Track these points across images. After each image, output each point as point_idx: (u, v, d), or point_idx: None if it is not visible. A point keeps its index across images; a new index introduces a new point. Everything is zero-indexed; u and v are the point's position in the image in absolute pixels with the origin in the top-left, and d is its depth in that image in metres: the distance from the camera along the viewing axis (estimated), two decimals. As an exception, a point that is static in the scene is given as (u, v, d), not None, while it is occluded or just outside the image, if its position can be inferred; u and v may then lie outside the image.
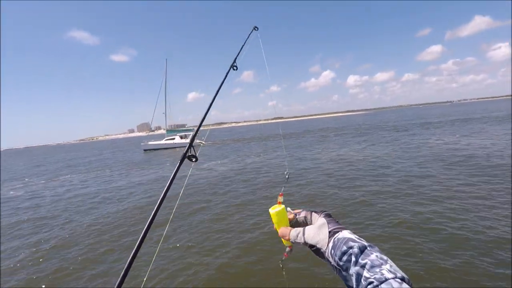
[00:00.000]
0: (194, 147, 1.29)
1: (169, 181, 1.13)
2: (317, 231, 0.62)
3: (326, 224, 0.62)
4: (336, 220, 0.64)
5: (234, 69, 1.94)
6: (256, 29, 2.15)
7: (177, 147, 38.89)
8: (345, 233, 0.59)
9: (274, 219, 0.70)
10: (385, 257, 0.52)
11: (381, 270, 0.49)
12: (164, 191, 1.09)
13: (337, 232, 0.60)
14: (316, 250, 0.63)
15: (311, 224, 0.66)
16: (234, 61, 1.96)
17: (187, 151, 1.27)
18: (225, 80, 1.88)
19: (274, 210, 0.70)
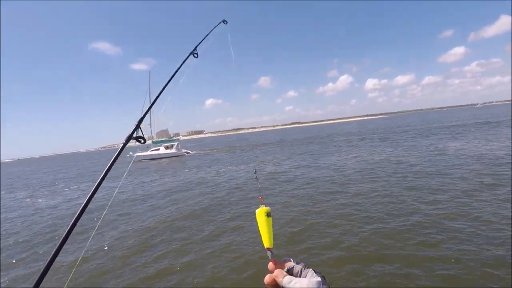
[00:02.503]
0: (141, 129, 1.34)
1: (110, 163, 1.18)
2: (309, 287, 0.63)
3: (321, 284, 0.63)
4: (330, 286, 0.66)
5: (194, 56, 1.93)
6: (225, 22, 2.18)
7: (162, 158, 39.60)
8: None
9: (260, 220, 0.75)
10: None
11: None
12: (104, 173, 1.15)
13: None
14: None
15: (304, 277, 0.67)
16: (195, 49, 1.96)
17: (133, 132, 1.32)
18: (183, 66, 1.87)
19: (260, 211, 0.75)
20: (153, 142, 43.26)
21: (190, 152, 42.77)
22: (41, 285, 0.89)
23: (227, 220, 8.46)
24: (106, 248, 7.32)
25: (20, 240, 8.91)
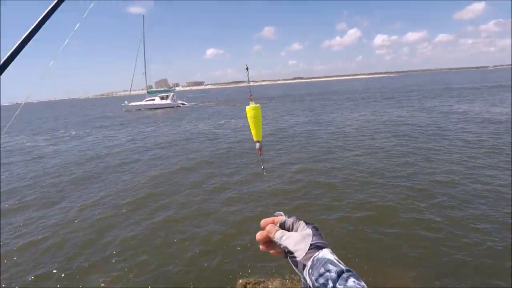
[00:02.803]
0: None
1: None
2: (300, 239, 0.63)
3: (311, 236, 0.63)
4: (321, 235, 0.64)
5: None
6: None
7: (157, 108, 38.62)
8: (326, 253, 0.59)
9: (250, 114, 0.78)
10: (362, 283, 0.52)
11: None
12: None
13: (319, 248, 0.60)
14: (293, 259, 0.63)
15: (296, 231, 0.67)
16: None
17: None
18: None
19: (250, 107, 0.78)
20: (148, 91, 42.24)
21: (186, 103, 42.05)
22: None
23: (230, 174, 8.49)
24: (113, 194, 7.44)
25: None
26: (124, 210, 6.40)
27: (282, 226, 0.69)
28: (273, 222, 0.70)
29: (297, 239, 0.63)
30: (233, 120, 20.87)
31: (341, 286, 0.51)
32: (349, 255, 4.23)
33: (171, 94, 40.72)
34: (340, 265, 0.56)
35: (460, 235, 4.57)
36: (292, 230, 0.67)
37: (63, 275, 4.34)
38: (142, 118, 27.57)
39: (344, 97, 36.74)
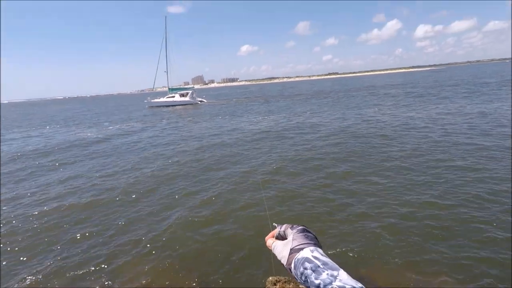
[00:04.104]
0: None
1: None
2: (282, 248, 0.67)
3: (291, 241, 0.66)
4: (309, 234, 0.67)
5: None
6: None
7: (177, 105, 40.12)
8: (305, 253, 0.62)
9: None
10: (335, 273, 0.55)
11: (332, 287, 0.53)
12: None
13: (299, 250, 0.63)
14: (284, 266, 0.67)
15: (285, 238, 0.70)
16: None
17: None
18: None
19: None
20: (169, 89, 44.02)
21: (205, 101, 43.37)
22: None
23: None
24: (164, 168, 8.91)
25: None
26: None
27: (278, 237, 0.72)
28: (273, 235, 0.74)
29: (280, 249, 0.67)
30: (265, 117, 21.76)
31: (318, 280, 0.55)
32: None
33: (190, 91, 42.27)
34: (315, 260, 0.59)
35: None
36: (285, 238, 0.70)
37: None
38: (171, 113, 29.45)
39: (383, 93, 35.93)
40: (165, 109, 36.77)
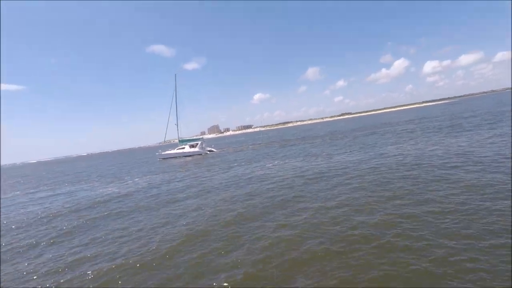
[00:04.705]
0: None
1: None
2: None
3: None
4: None
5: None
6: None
7: (187, 156, 41.27)
8: None
9: None
10: None
11: None
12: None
13: None
14: None
15: None
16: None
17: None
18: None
19: None
20: (179, 141, 45.69)
21: (214, 150, 44.39)
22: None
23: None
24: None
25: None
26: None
27: None
28: None
29: None
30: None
31: None
32: None
33: (200, 142, 43.77)
34: None
35: None
36: None
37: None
38: (185, 165, 30.20)
39: (399, 129, 35.91)
40: (175, 160, 37.54)
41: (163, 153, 44.01)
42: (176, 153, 42.76)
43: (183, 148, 42.90)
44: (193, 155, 41.54)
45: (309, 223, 7.68)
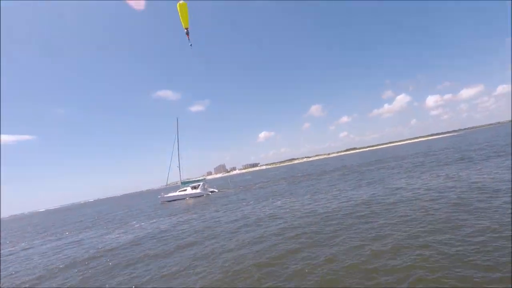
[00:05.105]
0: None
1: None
2: None
3: None
4: None
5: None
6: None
7: (188, 197, 41.33)
8: None
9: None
10: None
11: None
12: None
13: None
14: None
15: None
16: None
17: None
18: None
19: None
20: (182, 183, 45.89)
21: (216, 190, 44.43)
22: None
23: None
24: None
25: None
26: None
27: None
28: None
29: None
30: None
31: None
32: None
33: (201, 183, 43.87)
34: None
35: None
36: None
37: None
38: (198, 206, 29.96)
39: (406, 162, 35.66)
40: (177, 203, 36.90)
41: (165, 195, 43.92)
42: (178, 195, 42.68)
43: (185, 190, 42.90)
44: (195, 196, 41.25)
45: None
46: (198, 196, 40.82)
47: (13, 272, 13.47)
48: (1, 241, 30.45)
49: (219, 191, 44.28)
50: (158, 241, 14.53)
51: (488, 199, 10.99)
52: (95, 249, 15.46)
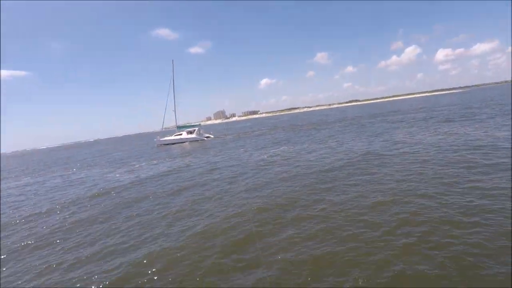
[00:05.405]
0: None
1: None
2: None
3: None
4: None
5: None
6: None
7: (184, 142, 41.89)
8: None
9: None
10: None
11: None
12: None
13: None
14: None
15: None
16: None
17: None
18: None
19: None
20: (177, 127, 46.21)
21: (212, 136, 45.15)
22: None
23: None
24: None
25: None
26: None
27: None
28: None
29: None
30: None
31: None
32: None
33: (197, 128, 44.27)
34: None
35: None
36: None
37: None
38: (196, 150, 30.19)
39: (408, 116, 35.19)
40: (174, 147, 37.79)
41: (161, 139, 44.61)
42: (173, 139, 43.42)
43: (181, 134, 43.45)
44: (190, 141, 42.11)
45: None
46: (194, 141, 41.75)
47: (20, 206, 13.96)
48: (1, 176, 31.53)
49: (214, 137, 45.09)
50: (160, 182, 14.83)
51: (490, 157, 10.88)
52: (100, 187, 15.90)
